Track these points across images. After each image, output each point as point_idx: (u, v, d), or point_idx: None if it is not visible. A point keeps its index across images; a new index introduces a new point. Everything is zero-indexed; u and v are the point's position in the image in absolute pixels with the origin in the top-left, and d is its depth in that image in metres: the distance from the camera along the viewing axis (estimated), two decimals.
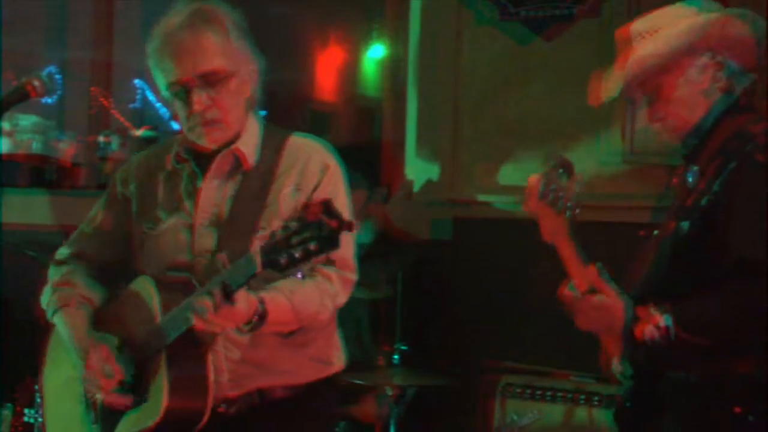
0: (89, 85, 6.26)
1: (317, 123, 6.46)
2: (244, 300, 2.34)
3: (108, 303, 2.77)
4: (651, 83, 2.47)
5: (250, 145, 2.65)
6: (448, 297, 4.55)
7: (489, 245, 4.53)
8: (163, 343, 2.49)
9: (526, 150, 4.50)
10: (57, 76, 6.09)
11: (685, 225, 2.34)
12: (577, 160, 4.47)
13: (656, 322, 2.30)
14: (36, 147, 5.83)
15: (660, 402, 2.44)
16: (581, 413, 3.82)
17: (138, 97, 6.55)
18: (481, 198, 4.63)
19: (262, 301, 2.41)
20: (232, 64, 2.58)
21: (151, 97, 6.54)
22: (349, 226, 2.13)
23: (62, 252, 2.86)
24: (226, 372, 2.57)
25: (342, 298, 2.61)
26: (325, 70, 6.65)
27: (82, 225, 2.87)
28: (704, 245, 2.32)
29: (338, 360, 2.75)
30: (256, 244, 2.23)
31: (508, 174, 4.51)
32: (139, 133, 6.24)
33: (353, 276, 2.63)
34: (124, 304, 2.69)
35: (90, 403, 2.70)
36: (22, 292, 4.93)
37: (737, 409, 2.32)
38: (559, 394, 3.87)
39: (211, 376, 2.51)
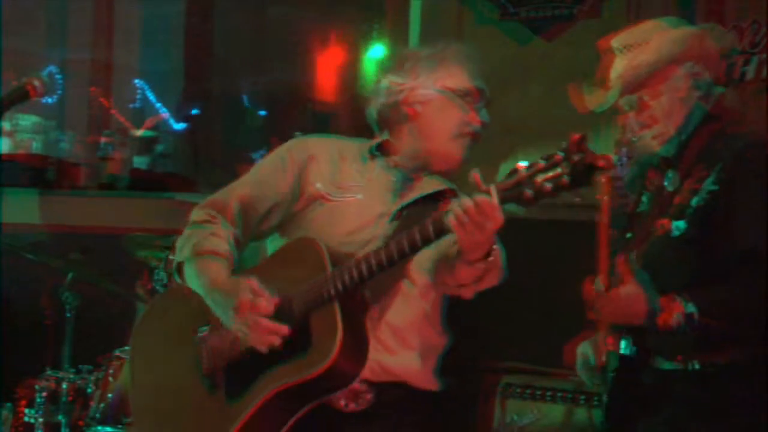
0: (89, 85, 6.27)
1: (317, 123, 6.46)
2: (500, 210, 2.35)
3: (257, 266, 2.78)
4: (638, 91, 2.61)
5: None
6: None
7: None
8: (347, 285, 2.49)
9: (526, 150, 4.50)
10: (57, 76, 6.10)
11: (680, 224, 2.46)
12: None
13: (681, 310, 2.38)
14: (36, 147, 5.84)
15: (652, 392, 2.50)
16: (581, 413, 3.82)
17: (138, 97, 6.56)
18: None
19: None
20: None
21: (151, 96, 6.55)
22: (611, 165, 2.20)
23: (217, 198, 2.82)
24: (372, 350, 2.58)
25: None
26: (325, 70, 6.65)
27: (241, 178, 2.86)
28: (704, 240, 2.44)
29: (439, 378, 2.78)
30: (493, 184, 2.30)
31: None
32: (139, 133, 6.25)
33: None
34: (275, 261, 2.72)
35: (208, 368, 2.70)
36: (22, 292, 4.97)
37: (739, 394, 2.41)
38: (559, 394, 3.87)
39: (370, 341, 2.55)
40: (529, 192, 2.24)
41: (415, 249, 2.44)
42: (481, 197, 2.29)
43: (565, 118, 4.48)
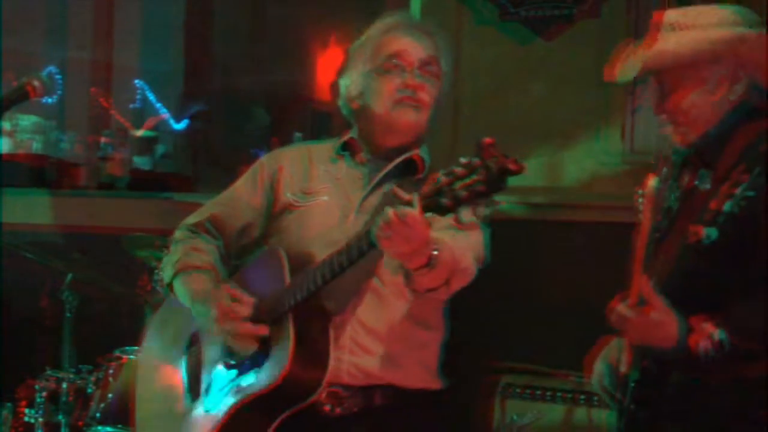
0: (89, 85, 6.27)
1: (317, 123, 6.46)
2: (427, 223, 2.31)
3: (229, 276, 2.82)
4: (666, 79, 2.43)
5: (426, 155, 2.75)
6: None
7: (488, 245, 4.53)
8: (298, 298, 2.51)
9: (526, 150, 4.50)
10: (57, 76, 6.11)
11: (712, 231, 2.29)
12: (577, 160, 4.52)
13: (711, 334, 2.27)
14: (36, 147, 5.85)
15: (673, 405, 2.43)
16: (581, 413, 3.82)
17: (138, 97, 6.56)
18: None
19: (435, 241, 2.41)
20: (441, 68, 2.75)
21: (151, 97, 6.55)
22: (521, 168, 2.18)
23: (192, 219, 2.89)
24: (348, 352, 2.59)
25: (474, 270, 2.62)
26: (325, 70, 6.65)
27: (216, 197, 2.92)
28: (737, 251, 2.29)
29: (439, 377, 2.77)
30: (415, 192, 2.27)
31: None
32: (139, 133, 6.25)
33: (483, 259, 2.67)
34: (246, 273, 2.76)
35: (192, 377, 2.75)
36: (22, 292, 4.97)
37: (759, 406, 2.31)
38: (559, 394, 3.86)
39: (331, 350, 2.53)
40: (447, 200, 2.21)
41: (352, 262, 2.45)
42: (403, 209, 2.26)
43: (564, 118, 4.51)
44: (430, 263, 2.39)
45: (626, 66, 2.47)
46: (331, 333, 2.56)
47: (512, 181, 2.25)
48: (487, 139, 2.21)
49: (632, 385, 2.48)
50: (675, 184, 2.54)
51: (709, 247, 2.30)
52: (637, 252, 2.38)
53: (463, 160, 2.21)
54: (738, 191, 2.28)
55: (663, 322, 2.29)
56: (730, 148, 2.38)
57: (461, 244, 2.53)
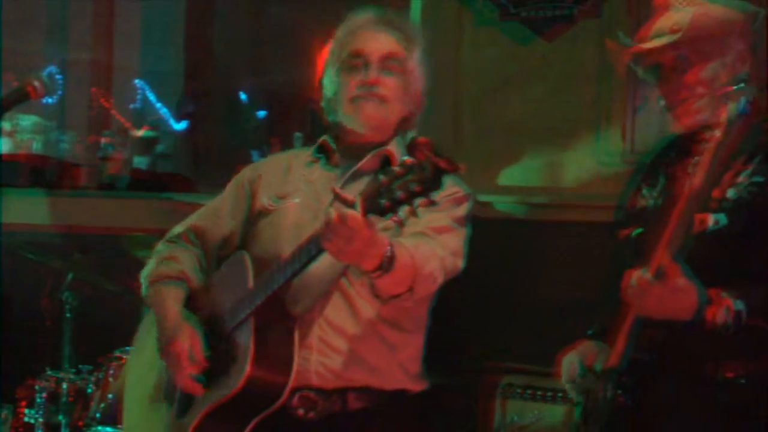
0: (89, 86, 6.27)
1: (317, 123, 6.45)
2: (371, 224, 2.28)
3: (204, 284, 2.83)
4: (691, 49, 2.46)
5: (398, 150, 2.71)
6: (447, 296, 4.53)
7: (489, 245, 4.52)
8: (256, 302, 2.52)
9: (526, 150, 4.50)
10: (57, 77, 6.11)
11: (721, 217, 2.31)
12: (577, 160, 4.52)
13: (728, 305, 2.28)
14: (36, 147, 5.84)
15: (669, 399, 2.43)
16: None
17: (138, 97, 6.56)
18: (481, 198, 4.62)
19: (390, 245, 2.38)
20: (409, 61, 2.73)
21: (151, 97, 6.55)
22: (455, 167, 2.15)
23: (176, 229, 2.90)
24: (315, 352, 2.57)
25: (444, 276, 2.60)
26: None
27: (200, 209, 2.93)
28: (749, 234, 2.33)
29: (421, 379, 2.74)
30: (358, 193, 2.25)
31: (508, 174, 4.51)
32: (140, 133, 6.25)
33: (460, 263, 2.66)
34: (218, 278, 2.77)
35: (168, 384, 2.75)
36: (22, 292, 4.97)
37: (756, 400, 2.34)
38: (560, 394, 3.86)
39: (296, 353, 2.51)
40: (385, 201, 2.19)
41: (303, 265, 2.44)
42: (344, 210, 2.24)
43: (564, 118, 4.50)
44: (383, 266, 2.36)
45: (650, 42, 2.48)
46: (296, 336, 2.53)
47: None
48: (421, 139, 2.20)
49: (615, 373, 2.45)
50: (646, 180, 2.59)
51: (718, 233, 2.31)
52: (671, 224, 2.31)
53: (404, 159, 2.20)
54: (741, 179, 2.34)
55: (684, 290, 2.27)
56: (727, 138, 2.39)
57: (424, 250, 2.50)
